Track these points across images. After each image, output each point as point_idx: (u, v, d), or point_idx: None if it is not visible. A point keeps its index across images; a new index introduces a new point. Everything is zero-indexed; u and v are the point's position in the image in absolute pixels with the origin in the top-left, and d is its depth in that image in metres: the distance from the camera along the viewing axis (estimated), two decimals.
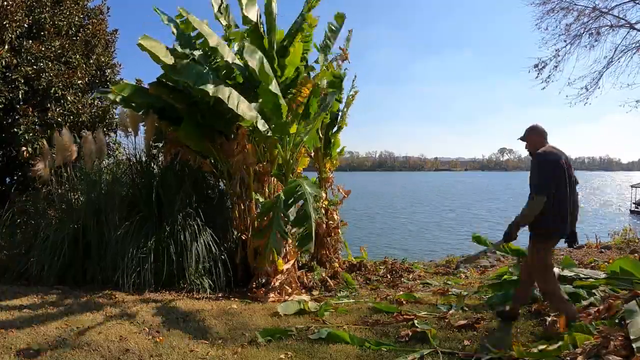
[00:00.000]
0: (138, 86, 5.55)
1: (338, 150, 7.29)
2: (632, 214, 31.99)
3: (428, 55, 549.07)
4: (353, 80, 7.51)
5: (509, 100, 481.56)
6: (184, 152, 5.56)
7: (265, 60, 4.62)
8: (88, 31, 7.19)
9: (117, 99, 5.41)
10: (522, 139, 3.51)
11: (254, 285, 5.04)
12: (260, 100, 5.03)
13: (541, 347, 2.82)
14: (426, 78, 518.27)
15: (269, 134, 5.07)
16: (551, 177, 3.18)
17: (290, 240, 5.05)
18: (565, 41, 9.62)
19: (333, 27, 6.42)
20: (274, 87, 4.68)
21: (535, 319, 3.54)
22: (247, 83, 5.29)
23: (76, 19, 7.03)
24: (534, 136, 3.44)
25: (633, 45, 9.23)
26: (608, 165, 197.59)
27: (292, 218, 4.57)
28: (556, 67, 9.83)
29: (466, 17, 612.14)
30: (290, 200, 4.58)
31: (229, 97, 4.53)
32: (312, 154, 6.96)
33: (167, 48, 4.76)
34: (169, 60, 4.60)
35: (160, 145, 5.98)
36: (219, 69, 5.23)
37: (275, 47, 5.50)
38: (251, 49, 4.60)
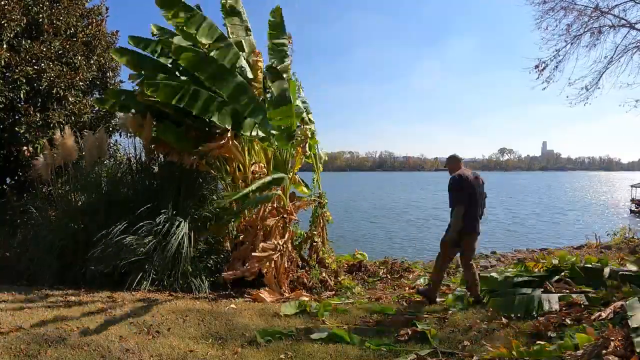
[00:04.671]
0: (130, 92, 5.56)
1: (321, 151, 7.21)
2: (632, 213, 31.86)
3: (428, 54, 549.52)
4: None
5: (509, 99, 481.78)
6: (173, 153, 5.48)
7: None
8: (88, 32, 7.19)
9: (115, 107, 5.49)
10: (444, 166, 4.50)
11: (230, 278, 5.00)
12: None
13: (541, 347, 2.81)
14: (426, 77, 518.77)
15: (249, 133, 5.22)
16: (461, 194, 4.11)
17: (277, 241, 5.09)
18: (565, 41, 9.65)
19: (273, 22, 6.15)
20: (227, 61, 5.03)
21: (535, 319, 3.53)
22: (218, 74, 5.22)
23: (74, 19, 7.03)
24: (451, 165, 4.39)
25: (633, 45, 9.25)
26: (608, 165, 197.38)
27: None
28: (556, 67, 9.86)
29: (466, 16, 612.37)
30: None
31: (201, 107, 4.73)
32: (308, 153, 6.91)
33: (140, 58, 4.97)
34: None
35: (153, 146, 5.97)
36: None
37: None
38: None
